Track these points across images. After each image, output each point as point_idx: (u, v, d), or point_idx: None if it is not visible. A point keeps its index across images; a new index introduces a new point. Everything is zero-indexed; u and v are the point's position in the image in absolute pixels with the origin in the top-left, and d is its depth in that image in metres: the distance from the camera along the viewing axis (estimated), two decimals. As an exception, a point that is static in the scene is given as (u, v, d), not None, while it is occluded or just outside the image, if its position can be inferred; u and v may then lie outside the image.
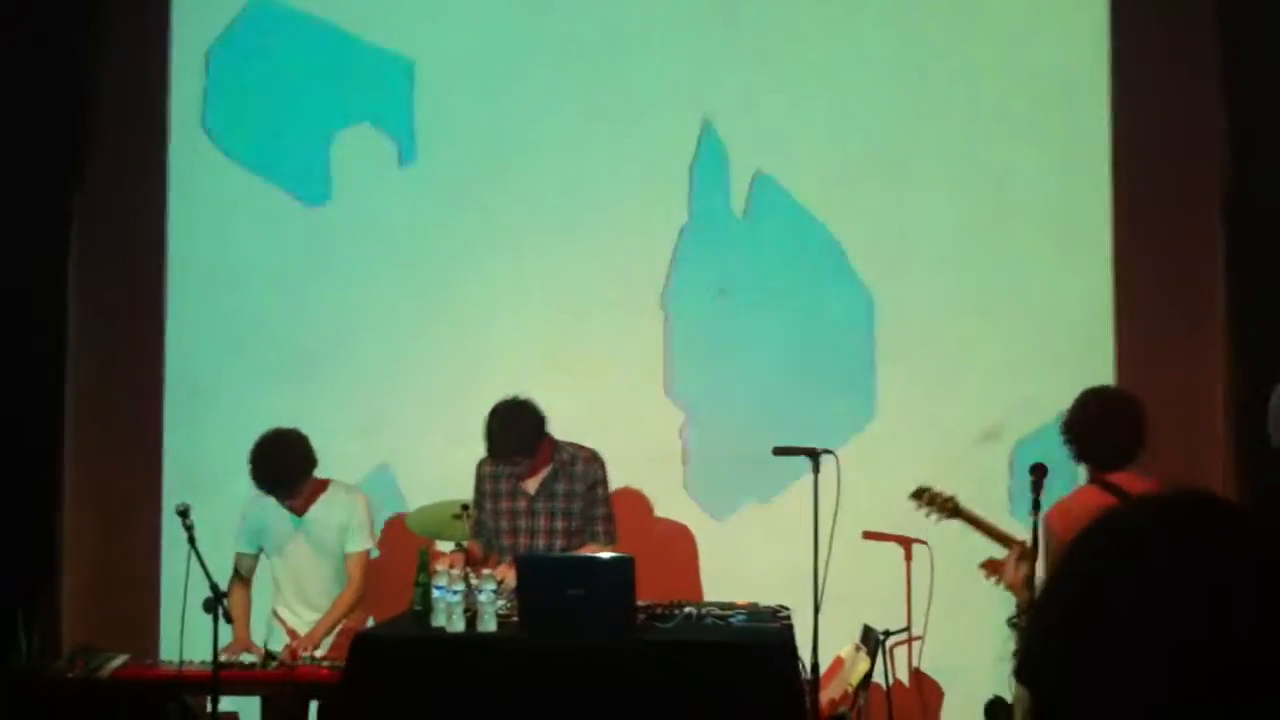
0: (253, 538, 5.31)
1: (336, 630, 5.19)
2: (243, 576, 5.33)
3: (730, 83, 6.15)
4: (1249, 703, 1.09)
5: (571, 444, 5.09)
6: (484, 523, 5.12)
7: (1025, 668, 1.24)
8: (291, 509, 5.20)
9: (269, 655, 5.04)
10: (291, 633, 5.21)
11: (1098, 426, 4.44)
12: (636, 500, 6.00)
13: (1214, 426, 5.72)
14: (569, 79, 6.22)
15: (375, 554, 5.42)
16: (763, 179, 6.13)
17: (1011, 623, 4.59)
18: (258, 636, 5.31)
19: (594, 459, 5.07)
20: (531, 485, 5.03)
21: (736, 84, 6.15)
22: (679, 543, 6.05)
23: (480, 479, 5.13)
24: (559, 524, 5.00)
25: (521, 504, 5.04)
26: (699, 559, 6.05)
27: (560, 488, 5.02)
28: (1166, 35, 5.91)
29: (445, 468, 5.61)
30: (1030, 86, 6.01)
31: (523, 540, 5.00)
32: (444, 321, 6.21)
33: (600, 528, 5.04)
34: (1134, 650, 1.12)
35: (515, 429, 4.90)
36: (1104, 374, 5.86)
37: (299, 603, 5.27)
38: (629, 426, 5.85)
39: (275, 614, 5.32)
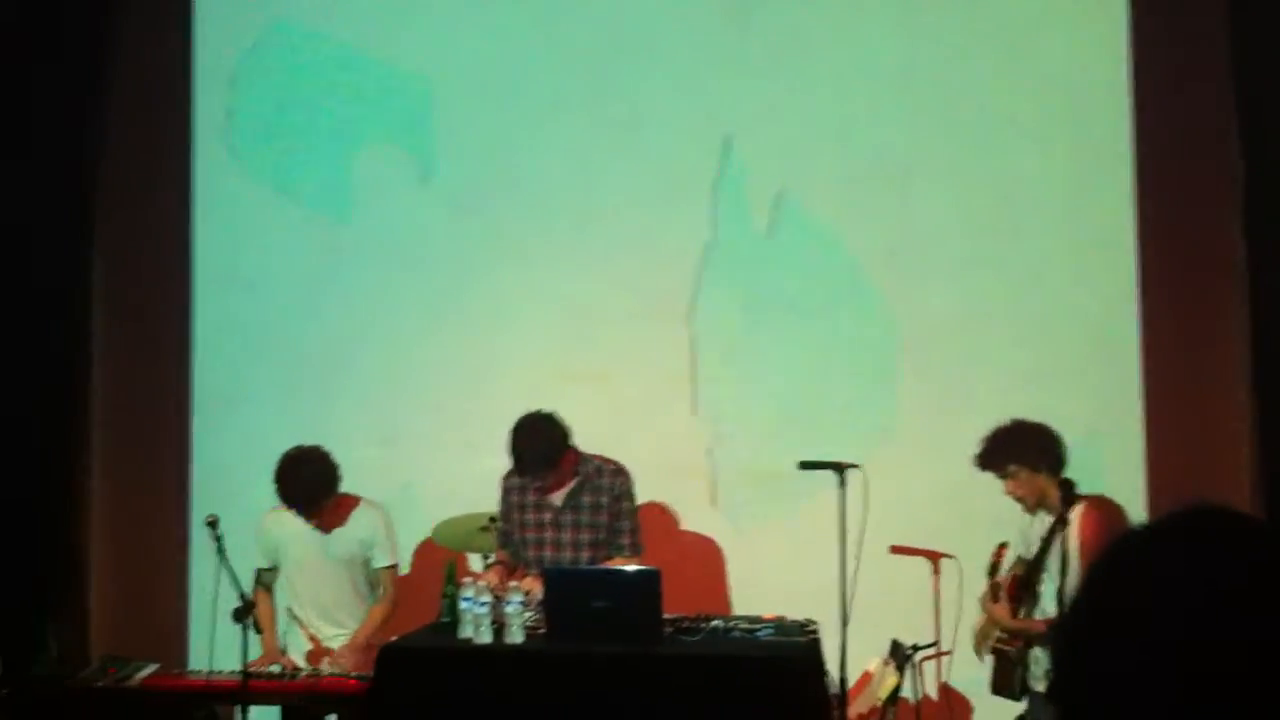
0: (269, 553, 5.30)
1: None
2: (266, 587, 5.33)
3: (743, 94, 6.14)
4: (1255, 701, 1.10)
5: (598, 456, 5.08)
6: (510, 535, 5.13)
7: (1053, 682, 1.26)
8: (317, 526, 5.20)
9: (296, 666, 5.05)
10: (313, 639, 5.22)
11: (1042, 434, 4.45)
12: (663, 514, 5.99)
13: (1238, 435, 5.67)
14: (580, 92, 6.23)
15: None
16: (784, 194, 6.12)
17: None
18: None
19: (620, 471, 5.07)
20: (557, 498, 5.02)
21: (750, 95, 6.14)
22: (706, 556, 6.04)
23: (506, 491, 5.13)
24: (584, 536, 5.00)
25: (547, 516, 5.04)
26: (726, 572, 6.04)
27: (586, 500, 5.02)
28: (1185, 41, 5.88)
29: (465, 480, 5.62)
30: (1050, 94, 5.99)
31: (548, 553, 4.99)
32: (464, 335, 6.23)
33: (626, 540, 5.03)
34: (1142, 648, 1.14)
35: (538, 443, 4.89)
36: (1128, 383, 5.84)
37: (317, 617, 5.24)
38: (655, 441, 5.85)
39: (291, 623, 5.31)
